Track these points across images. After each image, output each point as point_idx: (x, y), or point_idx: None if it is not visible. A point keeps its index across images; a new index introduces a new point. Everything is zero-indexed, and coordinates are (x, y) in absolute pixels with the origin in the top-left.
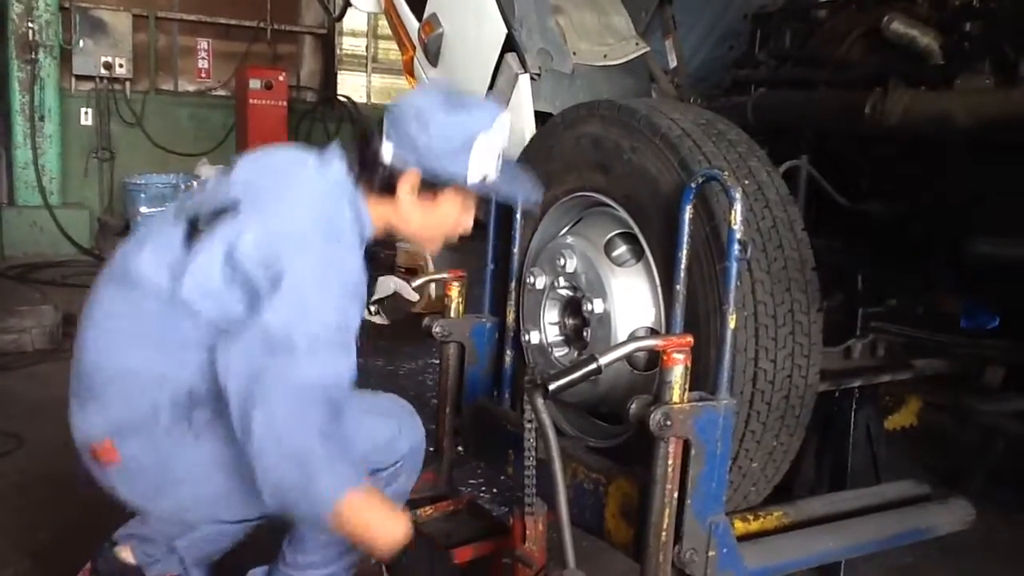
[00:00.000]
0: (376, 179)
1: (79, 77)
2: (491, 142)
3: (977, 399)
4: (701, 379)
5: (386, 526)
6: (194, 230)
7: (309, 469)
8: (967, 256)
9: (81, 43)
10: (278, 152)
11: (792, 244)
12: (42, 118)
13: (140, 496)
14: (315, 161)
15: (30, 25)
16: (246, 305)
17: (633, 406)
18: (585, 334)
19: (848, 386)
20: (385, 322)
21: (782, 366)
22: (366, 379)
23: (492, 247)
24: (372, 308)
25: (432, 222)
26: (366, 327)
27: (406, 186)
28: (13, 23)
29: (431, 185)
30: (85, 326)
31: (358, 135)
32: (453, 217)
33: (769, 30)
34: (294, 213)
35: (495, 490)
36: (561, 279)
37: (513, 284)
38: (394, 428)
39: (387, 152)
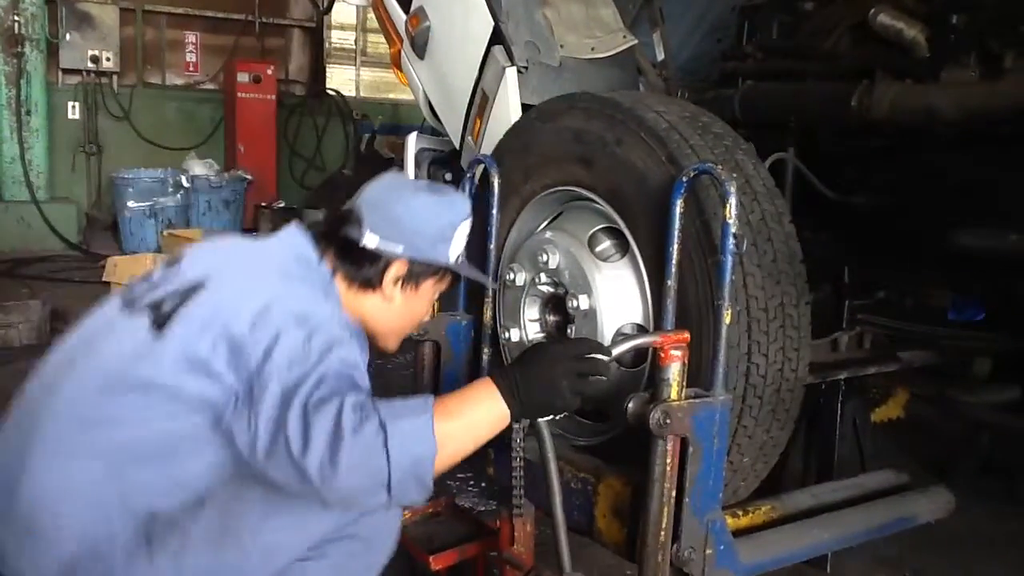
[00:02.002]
0: (360, 271)
1: (66, 71)
2: (467, 227)
3: (961, 390)
4: (692, 375)
5: (483, 409)
6: (159, 316)
7: (384, 440)
8: (953, 248)
9: (68, 36)
10: (232, 236)
11: (780, 237)
12: (29, 112)
13: None
14: (278, 241)
15: (16, 18)
16: (234, 369)
17: (631, 404)
18: (569, 331)
19: (834, 378)
20: None
21: (774, 360)
22: None
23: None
24: None
25: (409, 313)
26: None
27: (393, 276)
28: None
29: (416, 275)
30: (26, 452)
31: (326, 221)
32: (427, 306)
33: (757, 22)
34: (270, 279)
35: (477, 487)
36: (542, 275)
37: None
38: None
39: (370, 240)
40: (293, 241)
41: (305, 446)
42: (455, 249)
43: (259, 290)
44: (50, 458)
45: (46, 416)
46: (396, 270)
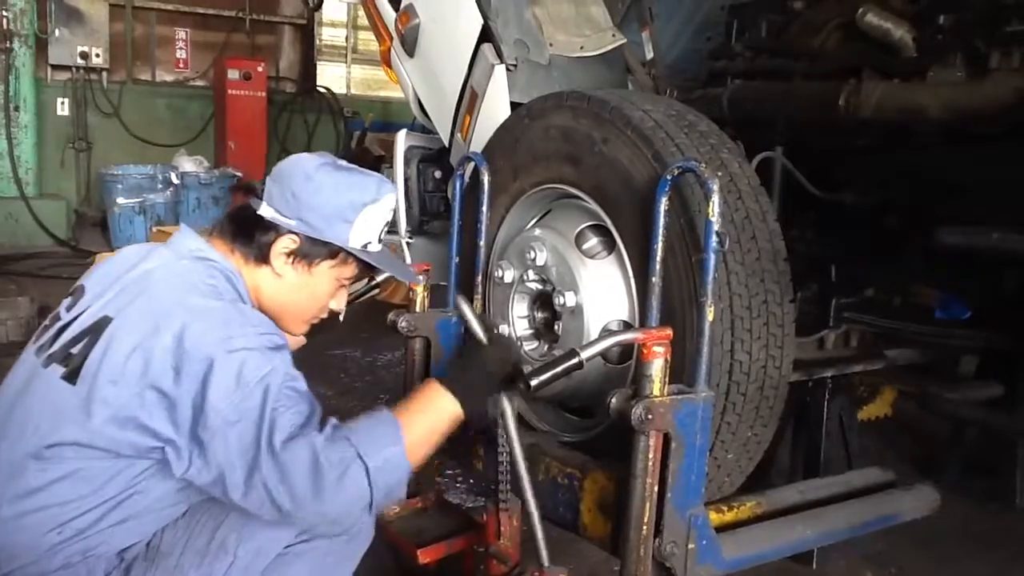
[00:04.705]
0: (252, 242)
1: (55, 67)
2: (377, 214)
3: (943, 388)
4: (676, 371)
5: (441, 412)
6: (71, 365)
7: (366, 472)
8: (937, 246)
9: (57, 32)
10: (128, 252)
11: (765, 235)
12: (17, 108)
13: None
14: (171, 249)
15: (4, 13)
16: (172, 424)
17: (613, 400)
18: (556, 327)
19: (821, 376)
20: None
21: (757, 357)
22: (345, 370)
23: (456, 240)
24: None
25: (303, 295)
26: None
27: (282, 249)
28: None
29: (308, 252)
30: None
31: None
32: (326, 293)
33: (746, 21)
34: (176, 303)
35: (466, 483)
36: (530, 272)
37: (479, 278)
38: None
39: (265, 211)
40: (187, 245)
41: (289, 492)
42: (359, 233)
43: (167, 322)
44: (10, 528)
45: None
46: (285, 243)
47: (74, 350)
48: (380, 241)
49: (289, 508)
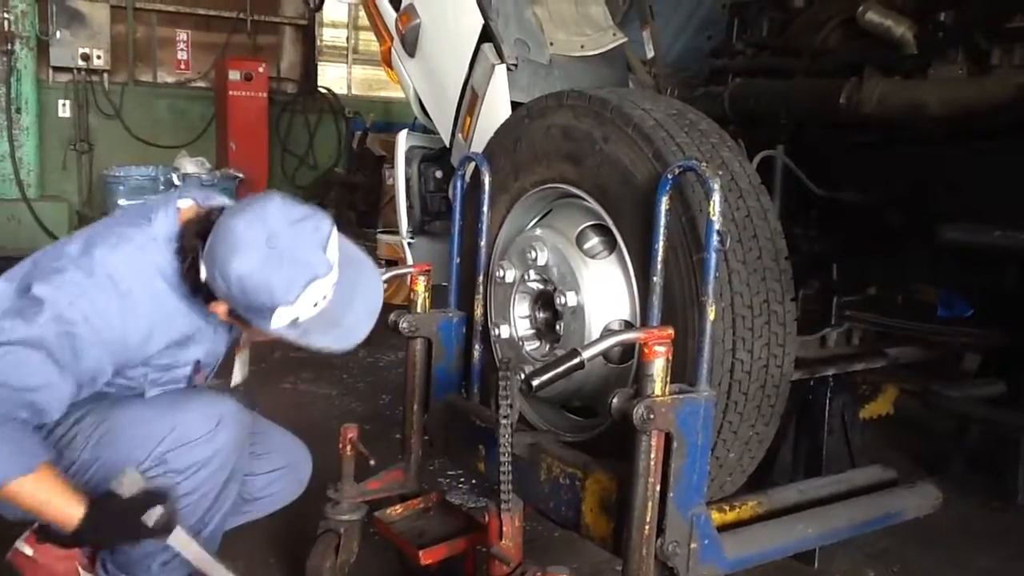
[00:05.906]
0: (191, 284)
1: (56, 68)
2: (294, 310)
3: (945, 386)
4: (678, 370)
5: (63, 509)
6: None
7: None
8: (939, 244)
9: (58, 34)
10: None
11: (766, 233)
12: (19, 110)
13: None
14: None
15: (5, 15)
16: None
17: (615, 400)
18: (558, 327)
19: (823, 374)
20: None
21: (759, 356)
22: (348, 370)
23: (457, 241)
24: None
25: (250, 333)
26: None
27: (218, 307)
28: None
29: (240, 317)
30: None
31: (190, 231)
32: (271, 335)
33: (747, 19)
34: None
35: (468, 484)
36: (531, 272)
37: (481, 278)
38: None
39: (203, 272)
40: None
41: None
42: (281, 319)
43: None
44: None
45: None
46: (219, 305)
47: None
48: (316, 306)
49: None
